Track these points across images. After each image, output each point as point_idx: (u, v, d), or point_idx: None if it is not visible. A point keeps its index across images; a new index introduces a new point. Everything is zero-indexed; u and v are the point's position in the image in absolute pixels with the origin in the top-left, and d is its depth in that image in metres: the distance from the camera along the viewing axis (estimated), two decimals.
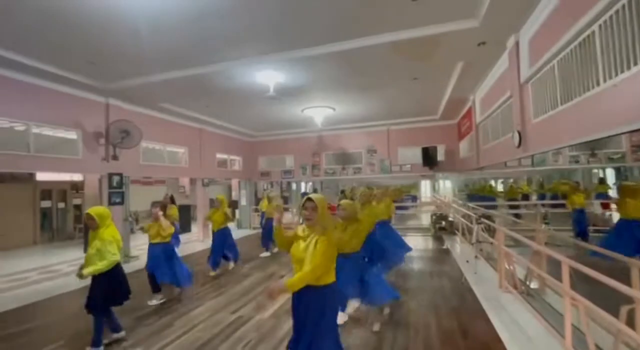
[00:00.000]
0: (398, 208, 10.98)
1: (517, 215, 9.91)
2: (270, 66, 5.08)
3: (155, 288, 4.30)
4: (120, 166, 6.51)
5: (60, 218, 10.04)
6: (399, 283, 4.76)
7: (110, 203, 6.36)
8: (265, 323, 3.51)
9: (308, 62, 4.97)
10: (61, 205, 10.04)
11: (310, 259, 1.98)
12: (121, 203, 6.52)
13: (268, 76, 5.35)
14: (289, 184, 19.40)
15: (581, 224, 7.18)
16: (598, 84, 2.56)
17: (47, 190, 9.69)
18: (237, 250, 6.06)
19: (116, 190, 6.45)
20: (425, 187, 20.28)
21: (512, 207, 11.59)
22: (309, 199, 2.12)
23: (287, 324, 3.31)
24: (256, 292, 4.54)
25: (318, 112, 8.12)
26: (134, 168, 6.97)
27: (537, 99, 3.78)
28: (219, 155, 10.20)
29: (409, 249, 5.49)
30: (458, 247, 7.27)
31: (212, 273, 5.55)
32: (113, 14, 3.50)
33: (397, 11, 3.66)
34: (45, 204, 9.63)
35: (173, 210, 6.59)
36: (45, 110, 5.34)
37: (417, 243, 8.11)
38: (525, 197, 14.60)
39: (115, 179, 6.42)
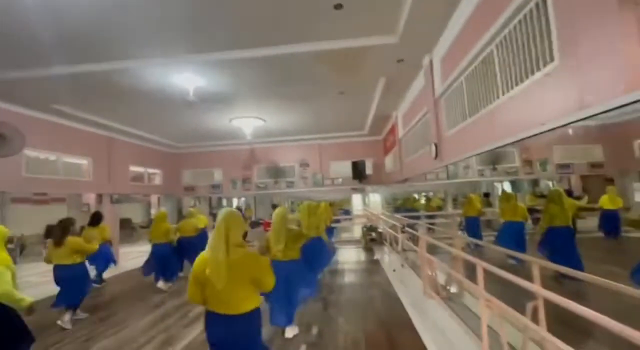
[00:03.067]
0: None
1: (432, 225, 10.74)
2: (187, 68, 4.65)
3: None
4: None
5: None
6: (331, 298, 4.58)
7: None
8: None
9: (230, 67, 4.68)
10: None
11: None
12: None
13: (186, 79, 4.90)
14: (219, 199, 18.28)
15: (476, 229, 7.55)
16: (498, 97, 2.80)
17: None
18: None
19: None
20: (356, 201, 20.98)
21: (430, 217, 12.54)
22: None
23: None
24: (168, 324, 3.89)
25: (247, 123, 7.77)
26: (13, 182, 5.67)
27: (450, 113, 4.09)
28: (134, 168, 9.04)
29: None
30: (387, 257, 7.47)
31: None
32: None
33: (320, 18, 3.64)
34: None
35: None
36: None
37: (350, 255, 8.13)
38: (439, 210, 16.15)
39: None
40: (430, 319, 3.58)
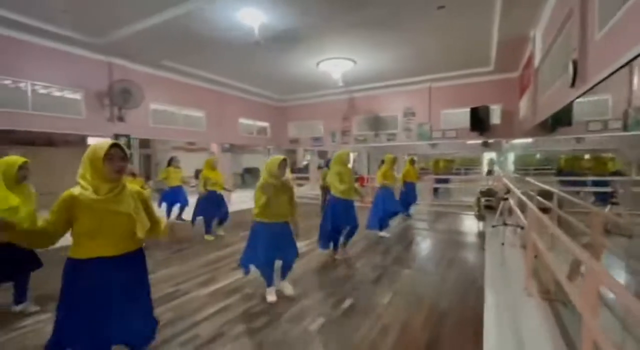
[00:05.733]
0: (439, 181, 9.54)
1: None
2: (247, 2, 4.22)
3: None
4: (127, 128, 6.48)
5: None
6: (392, 268, 3.79)
7: None
8: (198, 300, 2.98)
9: None
10: None
11: None
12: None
13: (249, 16, 4.51)
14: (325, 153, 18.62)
15: None
16: None
17: None
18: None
19: None
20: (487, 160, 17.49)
21: (598, 184, 8.95)
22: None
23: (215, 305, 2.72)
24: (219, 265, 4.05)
25: (336, 66, 7.02)
26: (143, 130, 6.92)
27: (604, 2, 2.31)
28: (243, 121, 9.83)
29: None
30: (496, 230, 5.79)
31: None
32: None
33: None
34: None
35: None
36: (42, 69, 5.37)
37: (452, 223, 6.82)
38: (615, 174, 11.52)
39: (122, 140, 6.43)
40: (512, 324, 2.39)
